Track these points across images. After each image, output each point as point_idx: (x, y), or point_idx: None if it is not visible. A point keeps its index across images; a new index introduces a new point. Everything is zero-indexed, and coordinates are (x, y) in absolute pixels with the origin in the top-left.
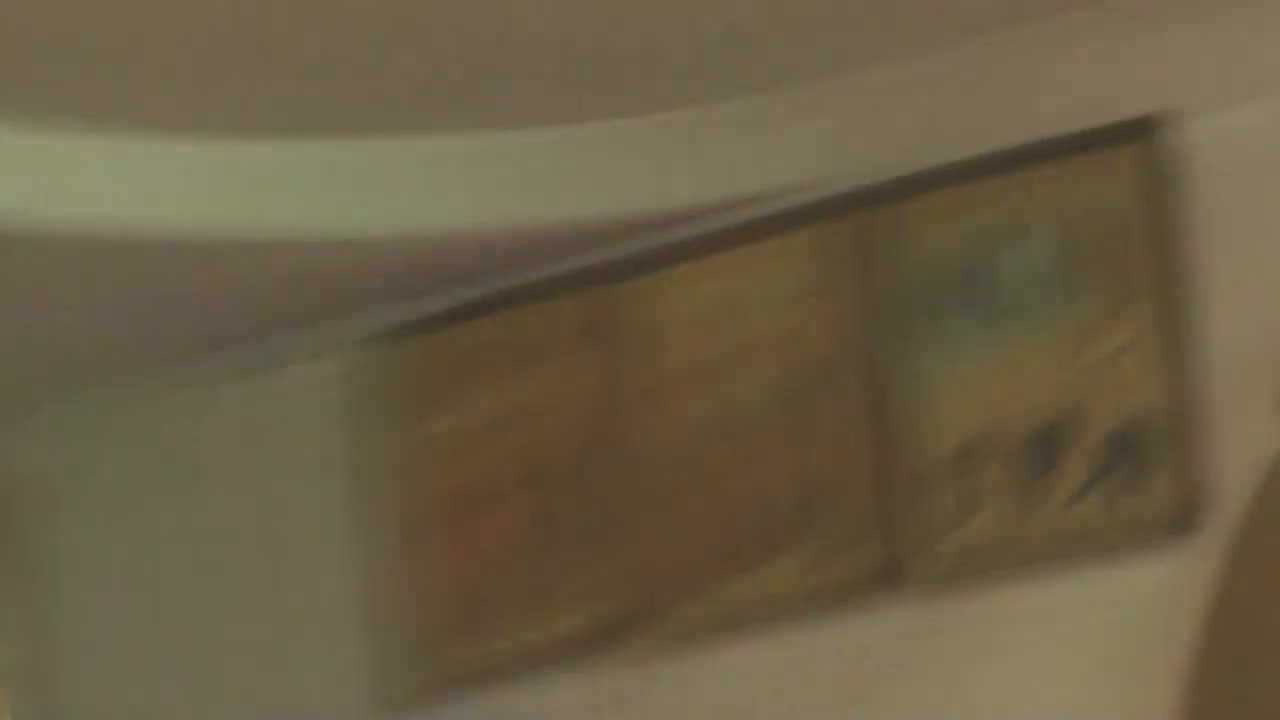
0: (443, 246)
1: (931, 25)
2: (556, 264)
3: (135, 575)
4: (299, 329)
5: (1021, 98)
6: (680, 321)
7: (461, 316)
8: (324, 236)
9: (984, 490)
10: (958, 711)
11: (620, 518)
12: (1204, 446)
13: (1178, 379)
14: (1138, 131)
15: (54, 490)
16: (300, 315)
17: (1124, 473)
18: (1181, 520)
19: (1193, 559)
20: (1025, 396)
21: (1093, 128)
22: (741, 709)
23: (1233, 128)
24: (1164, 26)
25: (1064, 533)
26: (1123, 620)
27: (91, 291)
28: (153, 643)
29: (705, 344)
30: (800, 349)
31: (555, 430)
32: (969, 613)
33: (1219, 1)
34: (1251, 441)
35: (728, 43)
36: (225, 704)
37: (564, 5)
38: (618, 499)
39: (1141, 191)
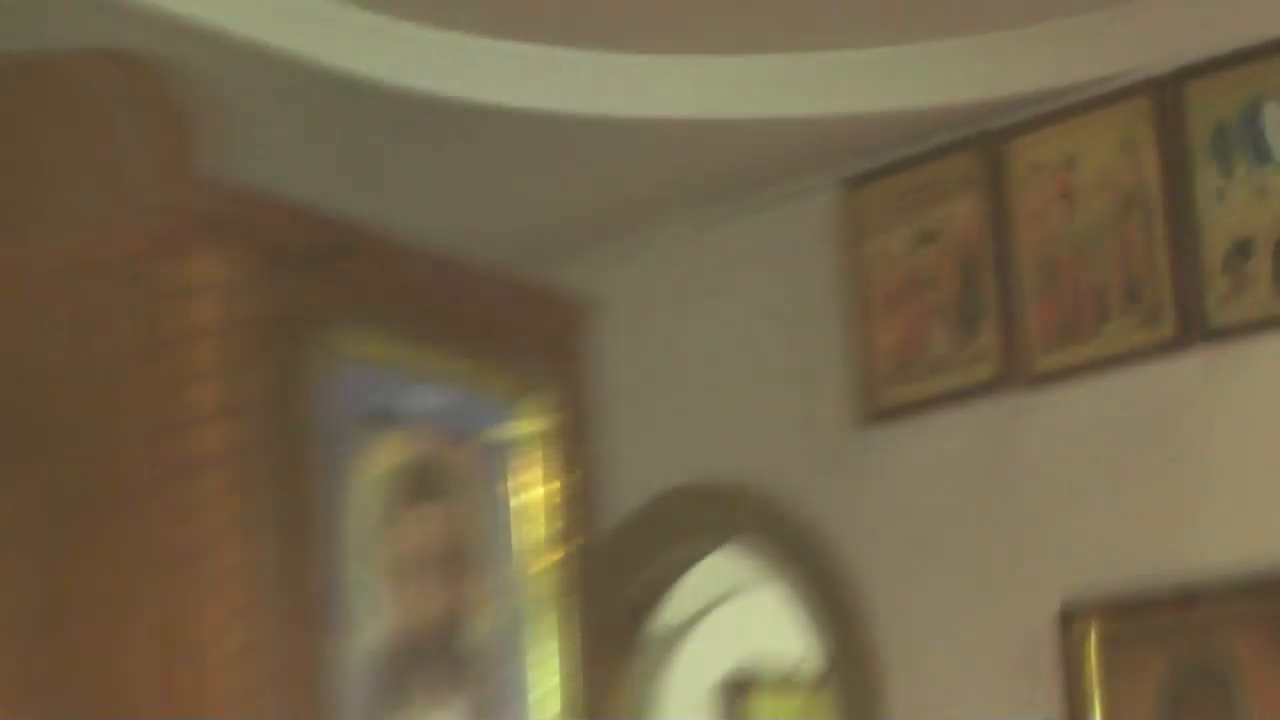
0: (890, 121)
1: None
2: (968, 129)
3: (682, 358)
4: (792, 179)
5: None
6: (1047, 166)
7: (900, 167)
8: (807, 115)
9: (1251, 275)
10: (1235, 428)
11: (1006, 298)
12: None
13: None
14: None
15: (637, 301)
16: (792, 169)
17: None
18: None
19: None
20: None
21: None
22: (1087, 436)
23: None
24: None
25: None
26: None
27: (658, 164)
28: (704, 398)
29: (1063, 181)
30: (1127, 182)
31: (962, 242)
32: (1242, 361)
33: None
34: None
35: None
36: (749, 420)
37: None
38: (1004, 287)
39: None
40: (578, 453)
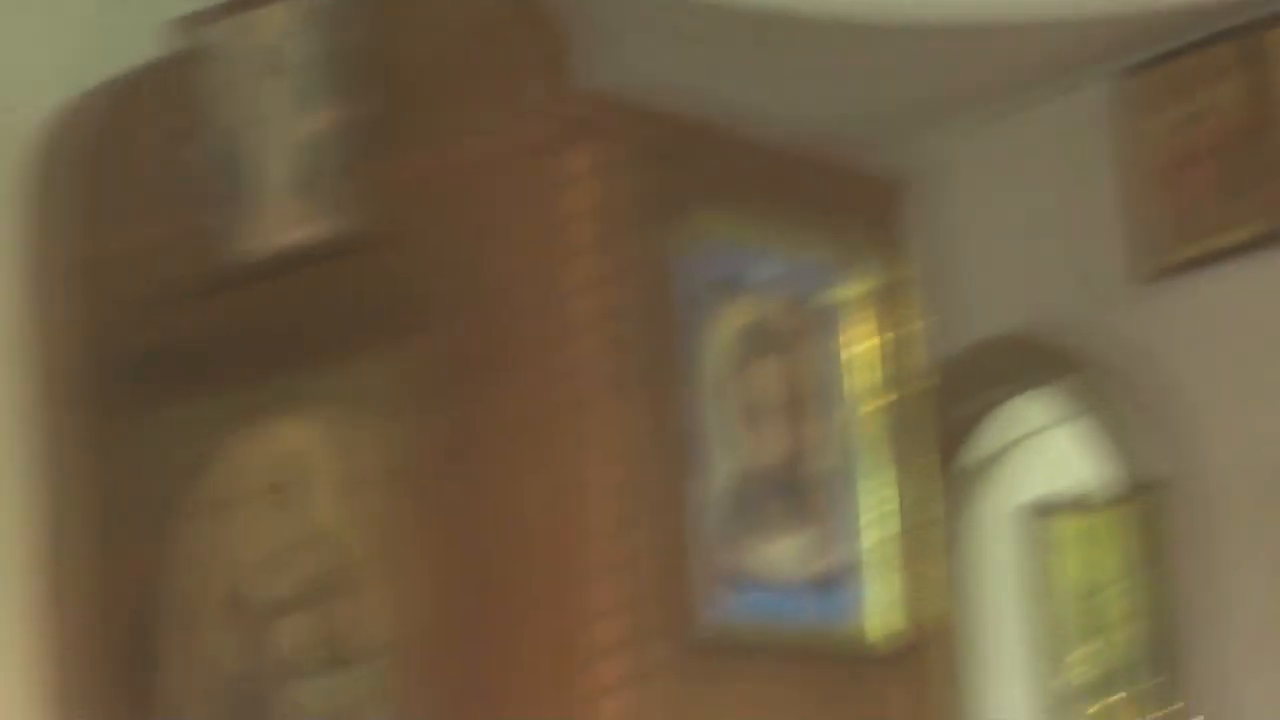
0: (1162, 16)
1: None
2: (1231, 20)
3: (990, 226)
4: (1078, 70)
5: None
6: None
7: (1172, 56)
8: (1090, 14)
9: None
10: None
11: (1269, 167)
12: None
13: None
14: None
15: (951, 178)
16: (1078, 61)
17: None
18: None
19: None
20: None
21: None
22: None
23: None
24: None
25: None
26: None
27: (968, 61)
28: (1009, 260)
29: None
30: None
31: (1228, 119)
32: None
33: None
34: None
35: None
36: (1048, 280)
37: None
38: (1266, 158)
39: None
40: (899, 310)
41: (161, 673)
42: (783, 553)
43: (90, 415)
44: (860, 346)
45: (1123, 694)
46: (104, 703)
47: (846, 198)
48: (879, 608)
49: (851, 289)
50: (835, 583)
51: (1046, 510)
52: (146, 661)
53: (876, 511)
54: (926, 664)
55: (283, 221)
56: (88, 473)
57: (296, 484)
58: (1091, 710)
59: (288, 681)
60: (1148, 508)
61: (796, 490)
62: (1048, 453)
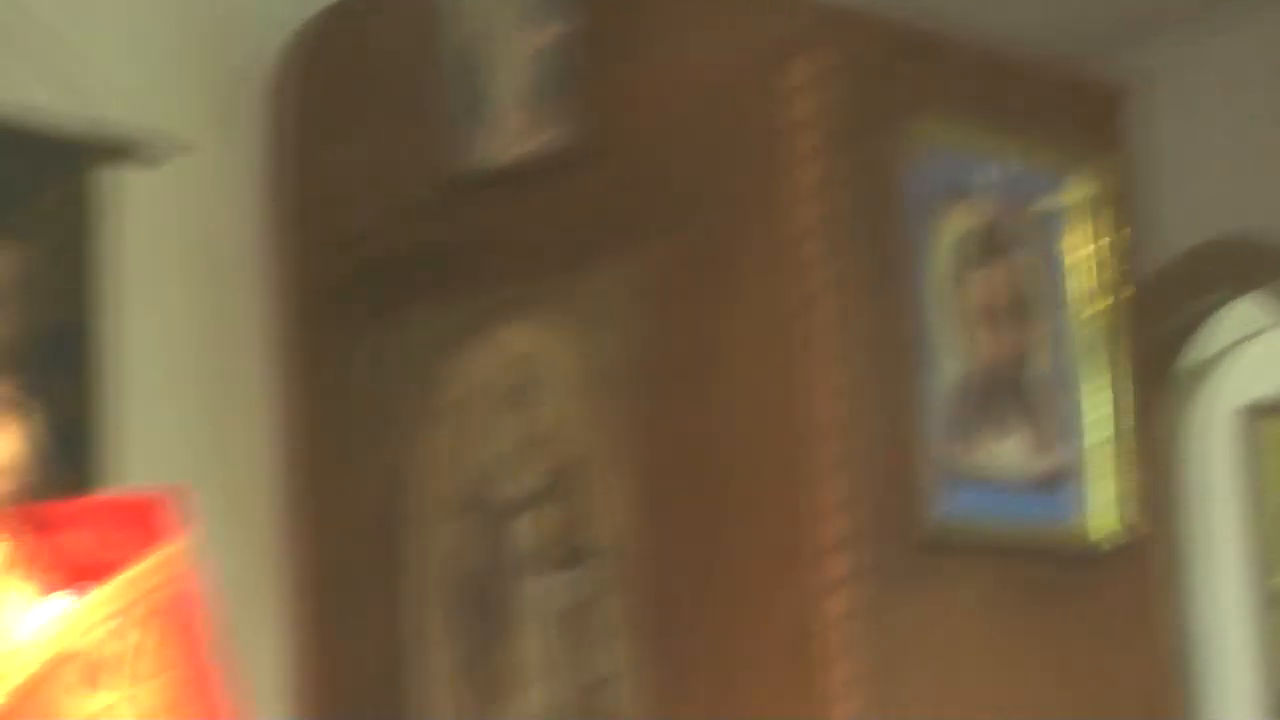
0: None
1: None
2: None
3: (1209, 132)
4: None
5: None
6: None
7: None
8: None
9: None
10: None
11: None
12: None
13: None
14: None
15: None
16: None
17: None
18: None
19: None
20: None
21: None
22: None
23: None
24: None
25: None
26: None
27: None
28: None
29: None
30: None
31: None
32: None
33: None
34: None
35: None
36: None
37: None
38: None
39: None
40: (1120, 215)
41: (403, 569)
42: (1006, 452)
43: (331, 325)
44: (1083, 250)
45: None
46: (350, 599)
47: (1067, 105)
48: (1099, 507)
49: (1072, 195)
50: (1057, 482)
51: (1262, 413)
52: (389, 559)
53: (1096, 413)
54: (1144, 563)
55: (513, 135)
56: (330, 381)
57: (529, 387)
58: None
59: (524, 577)
60: None
61: (1019, 391)
62: (1265, 356)
